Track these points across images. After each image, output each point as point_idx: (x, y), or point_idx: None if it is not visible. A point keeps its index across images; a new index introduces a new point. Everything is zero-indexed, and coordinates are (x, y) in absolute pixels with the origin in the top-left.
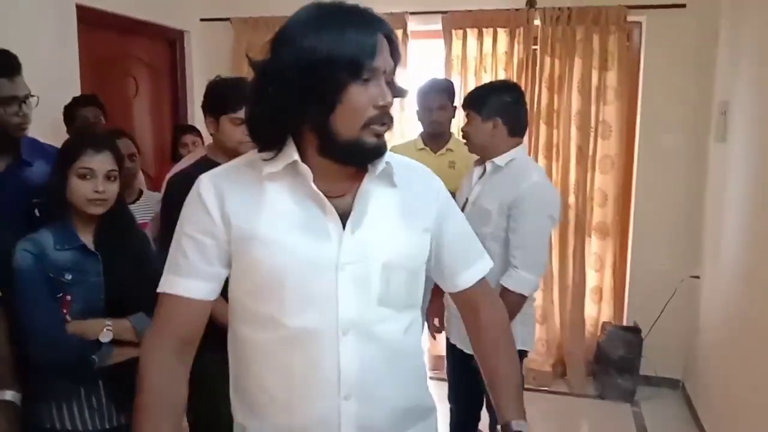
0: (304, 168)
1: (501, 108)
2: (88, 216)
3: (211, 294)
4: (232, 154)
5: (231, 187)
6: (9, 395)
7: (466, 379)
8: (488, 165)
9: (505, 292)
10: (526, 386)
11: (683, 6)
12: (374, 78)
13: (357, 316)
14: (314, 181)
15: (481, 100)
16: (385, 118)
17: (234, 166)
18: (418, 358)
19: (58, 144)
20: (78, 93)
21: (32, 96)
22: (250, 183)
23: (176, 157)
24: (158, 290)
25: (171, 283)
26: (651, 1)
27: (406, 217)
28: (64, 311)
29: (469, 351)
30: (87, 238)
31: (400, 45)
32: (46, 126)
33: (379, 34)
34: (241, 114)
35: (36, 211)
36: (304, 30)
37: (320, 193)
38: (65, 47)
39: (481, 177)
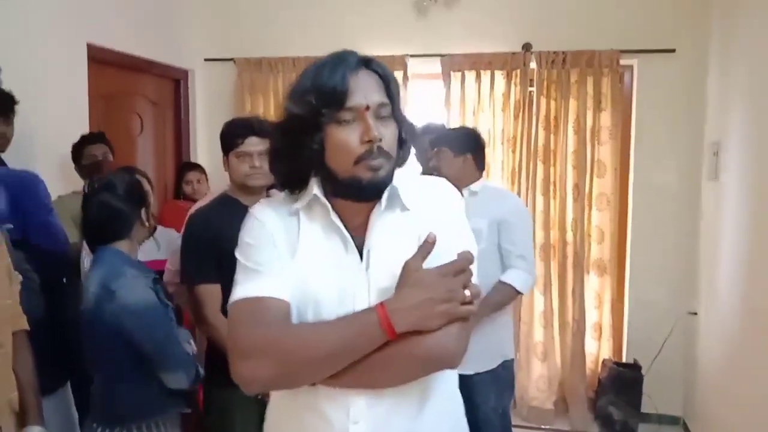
0: (324, 202)
1: (469, 146)
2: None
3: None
4: (245, 189)
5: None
6: (37, 431)
7: None
8: (464, 192)
9: (503, 286)
10: (528, 424)
11: (673, 51)
12: (356, 117)
13: None
14: (338, 216)
15: (453, 139)
16: (375, 152)
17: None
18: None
19: (66, 181)
20: (86, 129)
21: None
22: (288, 213)
23: (180, 195)
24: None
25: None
26: (642, 45)
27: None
28: None
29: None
30: None
31: (392, 81)
32: (55, 162)
33: (352, 76)
34: (244, 147)
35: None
36: (295, 84)
37: (341, 226)
38: (75, 84)
39: None
